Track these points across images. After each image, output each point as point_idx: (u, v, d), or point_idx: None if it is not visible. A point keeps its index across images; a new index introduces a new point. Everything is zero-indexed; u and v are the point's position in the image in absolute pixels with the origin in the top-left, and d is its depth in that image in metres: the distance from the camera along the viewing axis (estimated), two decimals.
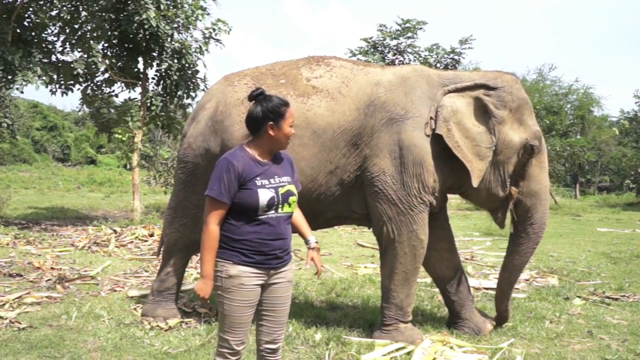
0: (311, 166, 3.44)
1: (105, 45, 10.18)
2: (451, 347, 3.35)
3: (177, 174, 3.94)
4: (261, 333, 2.27)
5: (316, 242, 2.38)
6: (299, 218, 2.39)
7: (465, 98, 3.53)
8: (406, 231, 3.44)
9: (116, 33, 9.89)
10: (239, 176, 2.14)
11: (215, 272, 2.17)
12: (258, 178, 2.16)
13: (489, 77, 3.59)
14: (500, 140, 3.49)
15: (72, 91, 10.17)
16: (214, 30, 10.48)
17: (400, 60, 15.97)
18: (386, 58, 15.90)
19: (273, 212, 2.19)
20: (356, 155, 3.47)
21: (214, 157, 3.59)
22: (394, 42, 15.96)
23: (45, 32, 9.78)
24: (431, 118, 3.46)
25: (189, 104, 11.07)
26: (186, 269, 4.34)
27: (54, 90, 10.01)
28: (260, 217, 2.16)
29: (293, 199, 2.25)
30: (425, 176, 3.40)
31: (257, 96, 2.23)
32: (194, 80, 10.53)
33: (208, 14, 10.41)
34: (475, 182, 3.41)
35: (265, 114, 2.19)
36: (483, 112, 3.51)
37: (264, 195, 2.15)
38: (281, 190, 2.20)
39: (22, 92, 9.21)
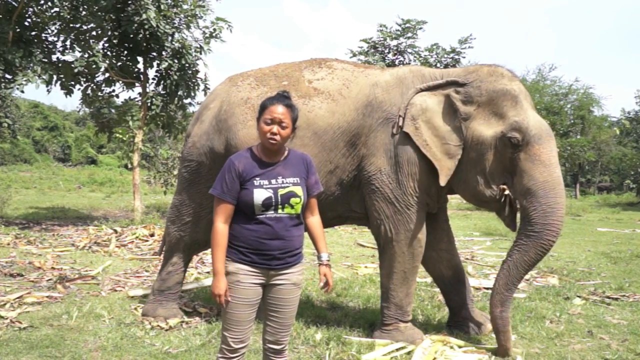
0: None
1: (106, 45, 10.17)
2: (451, 347, 3.36)
3: (181, 172, 3.96)
4: (266, 332, 2.29)
5: (328, 260, 2.35)
6: (316, 230, 2.34)
7: (437, 96, 3.45)
8: (403, 230, 3.44)
9: (116, 33, 9.90)
10: (239, 175, 2.16)
11: None
12: (257, 178, 2.17)
13: (463, 72, 3.50)
14: (468, 136, 3.35)
15: (73, 92, 10.18)
16: (215, 29, 10.47)
17: (401, 61, 15.98)
18: (386, 58, 15.90)
19: (272, 212, 2.17)
20: (354, 154, 3.49)
21: (218, 156, 3.64)
22: (394, 42, 15.97)
23: (46, 32, 9.78)
24: (400, 116, 3.39)
25: (189, 104, 11.09)
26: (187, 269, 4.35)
27: (50, 89, 10.00)
28: (258, 217, 2.17)
29: (295, 200, 2.19)
30: (420, 175, 3.40)
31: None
32: (194, 80, 10.53)
33: (210, 9, 10.38)
34: (442, 181, 3.32)
35: (258, 110, 2.23)
36: (453, 110, 3.41)
37: (259, 195, 2.14)
38: (281, 192, 2.17)
39: (22, 92, 9.23)
